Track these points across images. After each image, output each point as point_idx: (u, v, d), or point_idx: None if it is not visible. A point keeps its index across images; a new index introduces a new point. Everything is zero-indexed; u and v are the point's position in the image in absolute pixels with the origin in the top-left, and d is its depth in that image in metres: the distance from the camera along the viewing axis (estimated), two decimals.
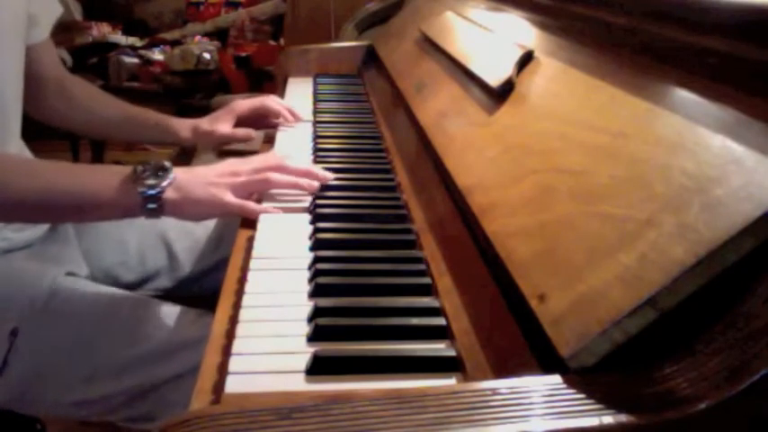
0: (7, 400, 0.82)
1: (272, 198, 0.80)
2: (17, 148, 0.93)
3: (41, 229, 0.94)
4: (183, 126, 1.08)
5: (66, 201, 0.75)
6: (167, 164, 0.76)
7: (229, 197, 0.77)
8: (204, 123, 1.09)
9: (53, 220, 0.92)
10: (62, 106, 1.04)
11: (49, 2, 1.01)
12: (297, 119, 1.13)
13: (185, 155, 1.63)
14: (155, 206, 0.74)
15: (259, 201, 0.80)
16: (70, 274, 0.88)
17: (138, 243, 1.02)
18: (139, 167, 0.75)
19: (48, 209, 0.76)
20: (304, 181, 0.81)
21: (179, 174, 0.76)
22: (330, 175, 0.84)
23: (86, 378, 0.80)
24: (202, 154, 1.53)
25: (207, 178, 0.77)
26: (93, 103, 1.08)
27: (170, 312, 0.84)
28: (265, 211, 0.77)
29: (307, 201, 0.79)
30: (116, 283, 0.98)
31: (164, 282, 1.02)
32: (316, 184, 0.81)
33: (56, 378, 0.81)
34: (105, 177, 0.75)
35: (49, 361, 0.80)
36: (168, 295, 0.97)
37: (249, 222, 0.76)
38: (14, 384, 0.80)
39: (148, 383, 0.80)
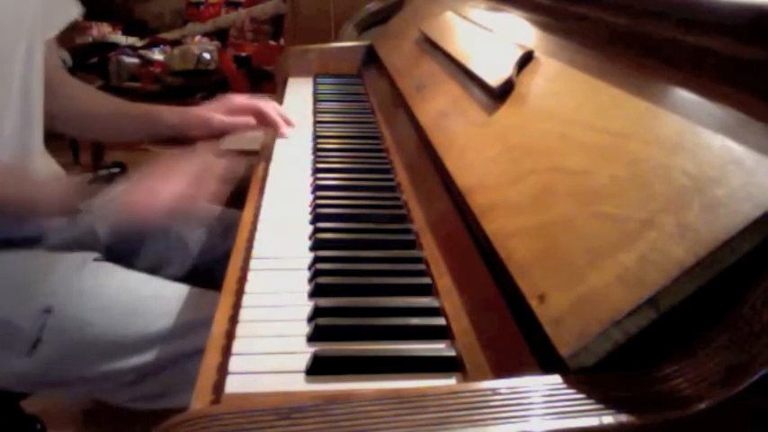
0: (40, 375, 0.85)
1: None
2: (40, 154, 0.96)
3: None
4: (172, 113, 1.05)
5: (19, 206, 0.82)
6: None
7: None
8: (196, 110, 1.05)
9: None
10: (57, 109, 0.99)
11: (59, 1, 1.00)
12: (289, 125, 1.08)
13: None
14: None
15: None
16: (97, 259, 0.92)
17: (150, 232, 1.04)
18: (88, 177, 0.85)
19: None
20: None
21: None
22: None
23: (112, 352, 0.84)
24: (202, 154, 1.52)
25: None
26: (85, 103, 1.06)
27: (191, 293, 0.88)
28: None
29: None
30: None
31: (174, 270, 1.04)
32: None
33: (85, 351, 0.84)
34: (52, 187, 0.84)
35: (79, 336, 0.83)
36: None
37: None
38: (45, 361, 0.83)
39: (172, 356, 0.84)
